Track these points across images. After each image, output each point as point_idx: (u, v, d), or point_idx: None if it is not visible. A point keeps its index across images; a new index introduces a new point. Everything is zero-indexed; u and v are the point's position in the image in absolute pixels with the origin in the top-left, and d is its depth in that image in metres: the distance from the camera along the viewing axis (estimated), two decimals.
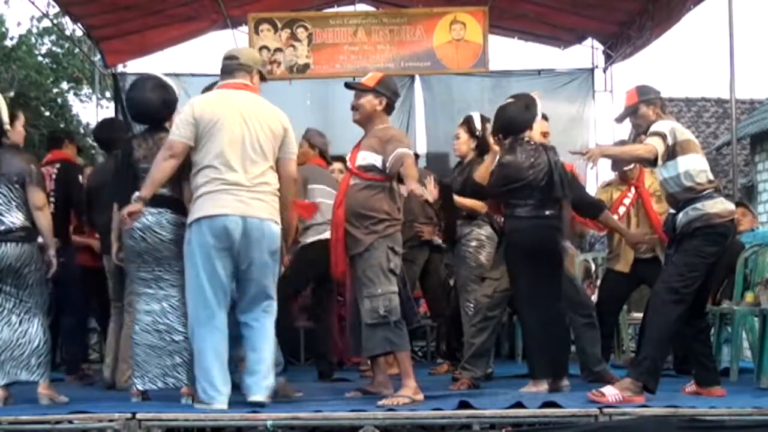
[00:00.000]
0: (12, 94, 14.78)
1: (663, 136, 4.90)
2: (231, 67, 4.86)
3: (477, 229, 6.00)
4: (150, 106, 5.14)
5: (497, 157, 5.35)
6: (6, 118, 5.06)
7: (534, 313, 5.19)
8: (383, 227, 4.93)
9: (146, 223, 4.88)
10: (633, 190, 6.41)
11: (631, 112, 5.18)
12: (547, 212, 5.22)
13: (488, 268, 5.77)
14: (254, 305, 4.74)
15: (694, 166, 4.94)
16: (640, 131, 5.17)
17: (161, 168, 4.71)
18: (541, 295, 5.17)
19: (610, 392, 4.64)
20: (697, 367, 5.17)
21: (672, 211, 5.07)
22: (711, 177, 5.01)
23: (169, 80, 5.24)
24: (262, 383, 4.65)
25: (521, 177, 5.16)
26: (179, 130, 4.68)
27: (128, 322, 5.27)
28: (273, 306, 4.80)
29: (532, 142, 5.33)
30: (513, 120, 5.32)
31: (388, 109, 5.17)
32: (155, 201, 4.87)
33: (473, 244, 6.00)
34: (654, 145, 4.88)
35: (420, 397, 4.81)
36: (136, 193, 4.74)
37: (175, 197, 4.89)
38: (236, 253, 4.63)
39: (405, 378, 4.87)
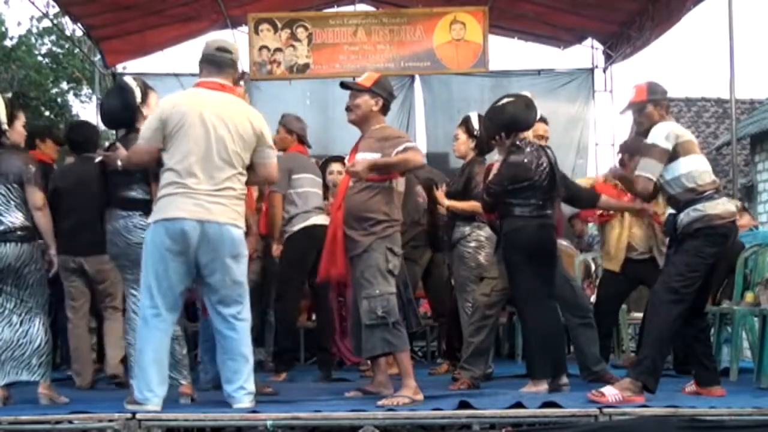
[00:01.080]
0: (9, 94, 14.73)
1: (658, 152, 4.88)
2: (224, 60, 4.71)
3: (477, 231, 5.99)
4: (111, 112, 5.12)
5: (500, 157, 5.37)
6: (4, 118, 5.07)
7: (536, 313, 5.19)
8: (381, 228, 4.93)
9: (116, 227, 4.90)
10: None
11: (637, 109, 5.15)
12: (548, 212, 5.25)
13: (487, 268, 5.77)
14: (223, 311, 4.65)
15: (696, 167, 4.94)
16: (641, 129, 5.15)
17: (135, 158, 4.71)
18: (541, 295, 5.18)
19: (610, 392, 4.64)
20: (697, 367, 5.16)
21: (672, 211, 5.07)
22: (713, 177, 5.01)
23: (131, 81, 5.15)
24: (242, 392, 4.60)
25: (528, 177, 5.16)
26: (145, 134, 4.62)
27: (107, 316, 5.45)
28: (245, 312, 4.68)
29: (533, 143, 5.34)
30: (516, 118, 5.30)
31: (384, 109, 5.13)
32: (124, 204, 4.89)
33: (472, 244, 6.00)
34: (647, 177, 4.89)
35: (420, 397, 4.81)
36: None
37: (147, 199, 4.85)
38: (193, 258, 4.53)
39: (405, 378, 4.87)
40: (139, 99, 5.02)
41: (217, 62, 4.71)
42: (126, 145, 4.88)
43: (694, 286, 4.85)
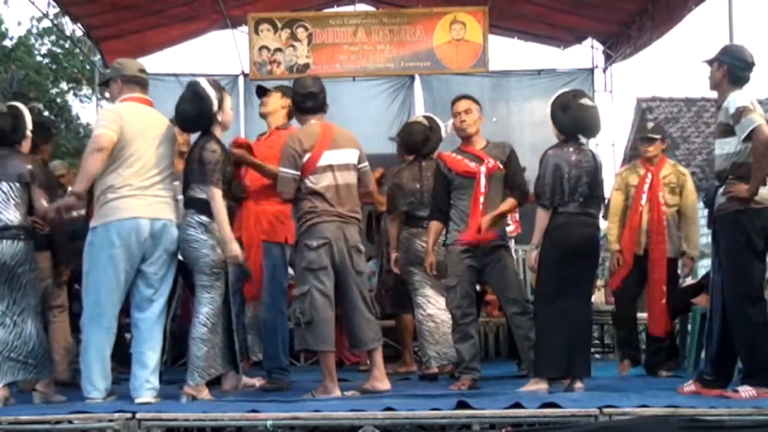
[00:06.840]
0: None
1: (751, 108, 4.77)
2: (146, 81, 5.17)
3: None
4: (186, 118, 5.18)
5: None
6: (30, 125, 5.19)
7: (544, 309, 5.17)
8: (298, 226, 5.13)
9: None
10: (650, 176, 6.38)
11: (707, 62, 5.13)
12: (591, 210, 5.28)
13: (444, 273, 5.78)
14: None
15: None
16: (710, 85, 5.15)
17: (88, 161, 4.83)
18: (554, 292, 5.13)
19: (744, 389, 4.69)
20: (712, 365, 5.10)
21: (716, 183, 4.98)
22: None
23: (207, 88, 5.12)
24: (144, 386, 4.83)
25: (565, 171, 5.19)
26: (107, 123, 4.85)
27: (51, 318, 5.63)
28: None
29: (584, 144, 5.43)
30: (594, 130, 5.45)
31: (297, 111, 5.49)
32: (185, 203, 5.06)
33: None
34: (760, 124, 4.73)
35: (337, 393, 4.99)
36: (70, 188, 4.98)
37: (201, 198, 4.96)
38: (140, 255, 4.85)
39: (324, 378, 5.03)
40: (216, 106, 5.07)
41: (141, 83, 5.16)
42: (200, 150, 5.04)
43: (759, 278, 4.81)
